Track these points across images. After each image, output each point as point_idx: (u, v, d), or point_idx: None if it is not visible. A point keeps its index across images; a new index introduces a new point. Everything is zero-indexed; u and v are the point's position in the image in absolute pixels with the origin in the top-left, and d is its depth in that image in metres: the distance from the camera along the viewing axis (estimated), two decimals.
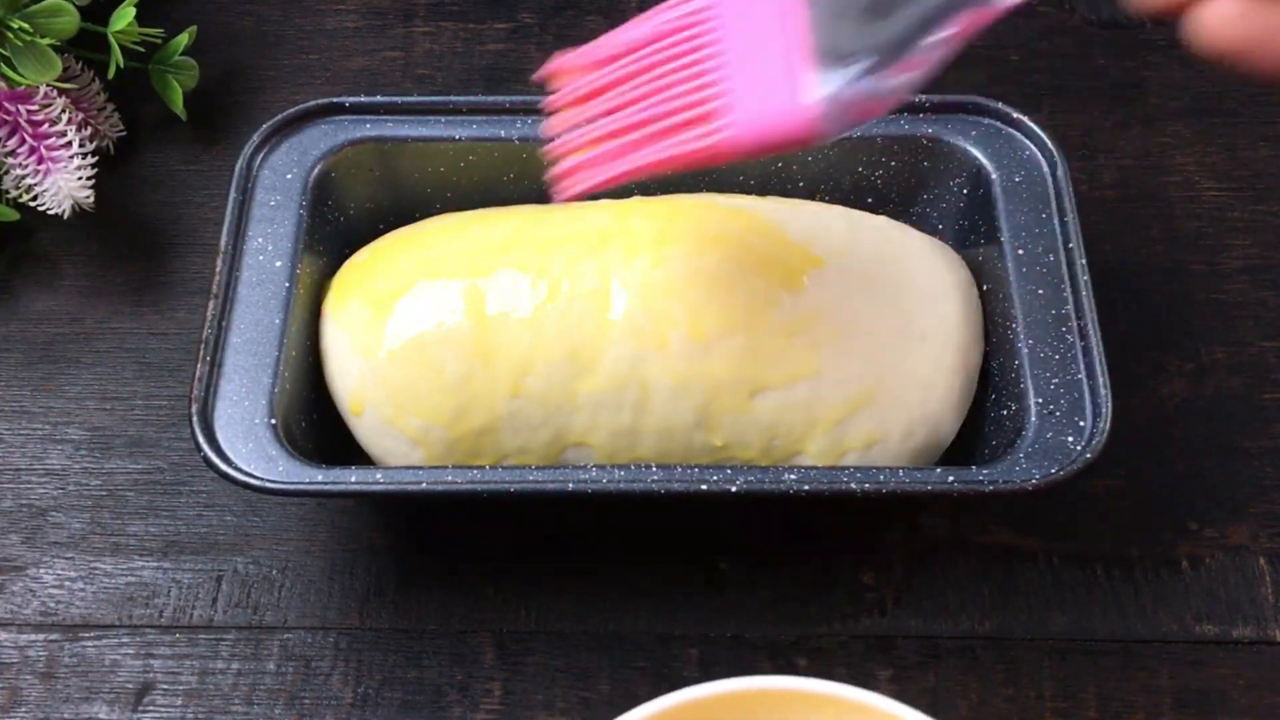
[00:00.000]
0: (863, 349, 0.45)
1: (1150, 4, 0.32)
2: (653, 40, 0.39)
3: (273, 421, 0.44)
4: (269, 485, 0.43)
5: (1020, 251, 0.48)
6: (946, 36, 0.34)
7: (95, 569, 0.50)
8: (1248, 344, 0.54)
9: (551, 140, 0.41)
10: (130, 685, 0.47)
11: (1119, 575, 0.49)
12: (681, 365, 0.45)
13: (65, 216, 0.55)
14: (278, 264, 0.48)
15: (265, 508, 0.51)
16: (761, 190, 0.51)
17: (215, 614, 0.49)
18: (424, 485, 0.43)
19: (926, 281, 0.47)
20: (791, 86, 0.35)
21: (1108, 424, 0.44)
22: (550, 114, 0.41)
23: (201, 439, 0.44)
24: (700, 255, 0.46)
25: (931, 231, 0.51)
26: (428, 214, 0.51)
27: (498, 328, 0.45)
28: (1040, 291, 0.47)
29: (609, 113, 0.39)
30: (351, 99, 0.51)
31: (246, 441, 0.44)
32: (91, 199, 0.55)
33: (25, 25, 0.52)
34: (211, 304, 0.46)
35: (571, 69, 0.40)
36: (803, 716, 0.36)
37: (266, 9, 0.66)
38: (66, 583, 0.49)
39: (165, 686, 0.47)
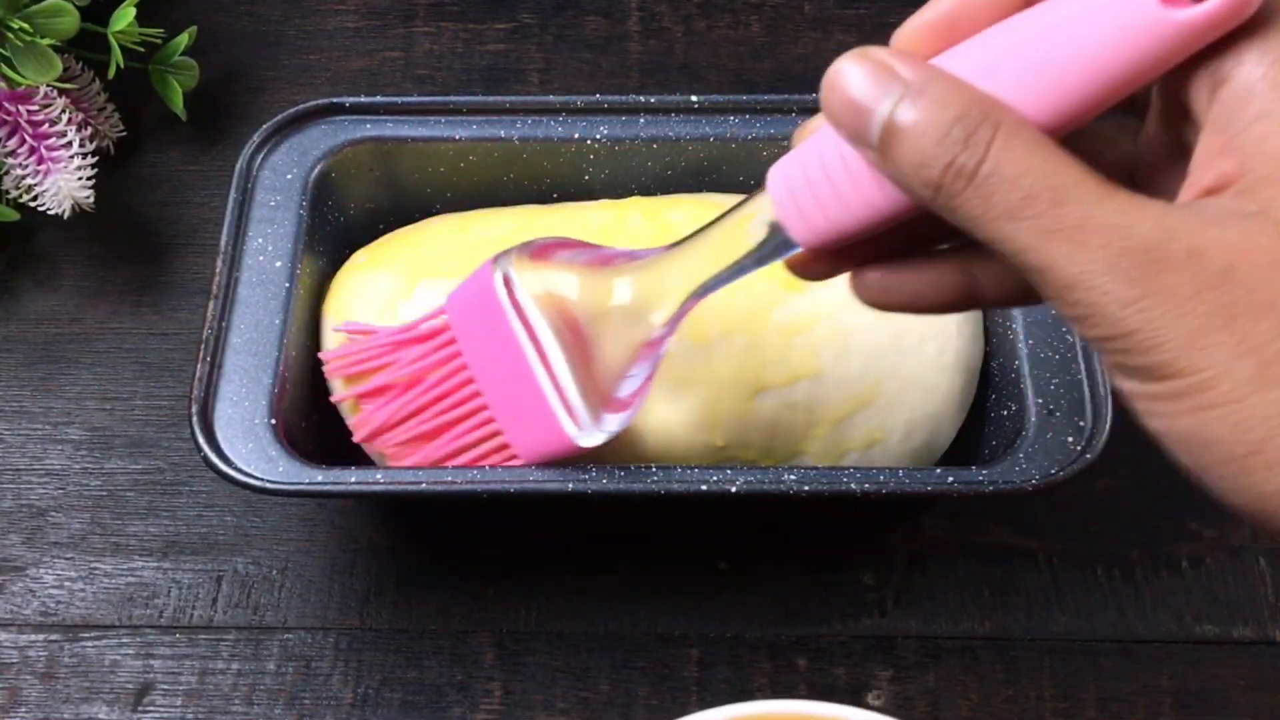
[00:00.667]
0: (863, 349, 0.45)
1: (808, 275, 0.34)
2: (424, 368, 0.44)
3: (273, 421, 0.44)
4: (269, 485, 0.43)
5: None
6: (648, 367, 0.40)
7: (95, 569, 0.50)
8: None
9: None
10: (130, 685, 0.47)
11: (1119, 575, 0.49)
12: (682, 365, 0.45)
13: (65, 216, 0.55)
14: (278, 264, 0.48)
15: (265, 508, 0.51)
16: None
17: (215, 614, 0.49)
18: (424, 485, 0.43)
19: None
20: (552, 426, 0.41)
21: (1108, 424, 0.44)
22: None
23: (201, 439, 0.44)
24: None
25: None
26: (428, 214, 0.51)
27: None
28: None
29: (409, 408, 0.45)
30: (351, 99, 0.51)
31: (246, 441, 0.44)
32: (91, 199, 0.55)
33: (25, 25, 0.52)
34: (211, 304, 0.46)
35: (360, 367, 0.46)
36: None
37: (266, 9, 0.66)
38: (66, 583, 0.49)
39: (165, 686, 0.47)
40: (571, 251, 0.41)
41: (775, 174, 0.32)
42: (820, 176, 0.30)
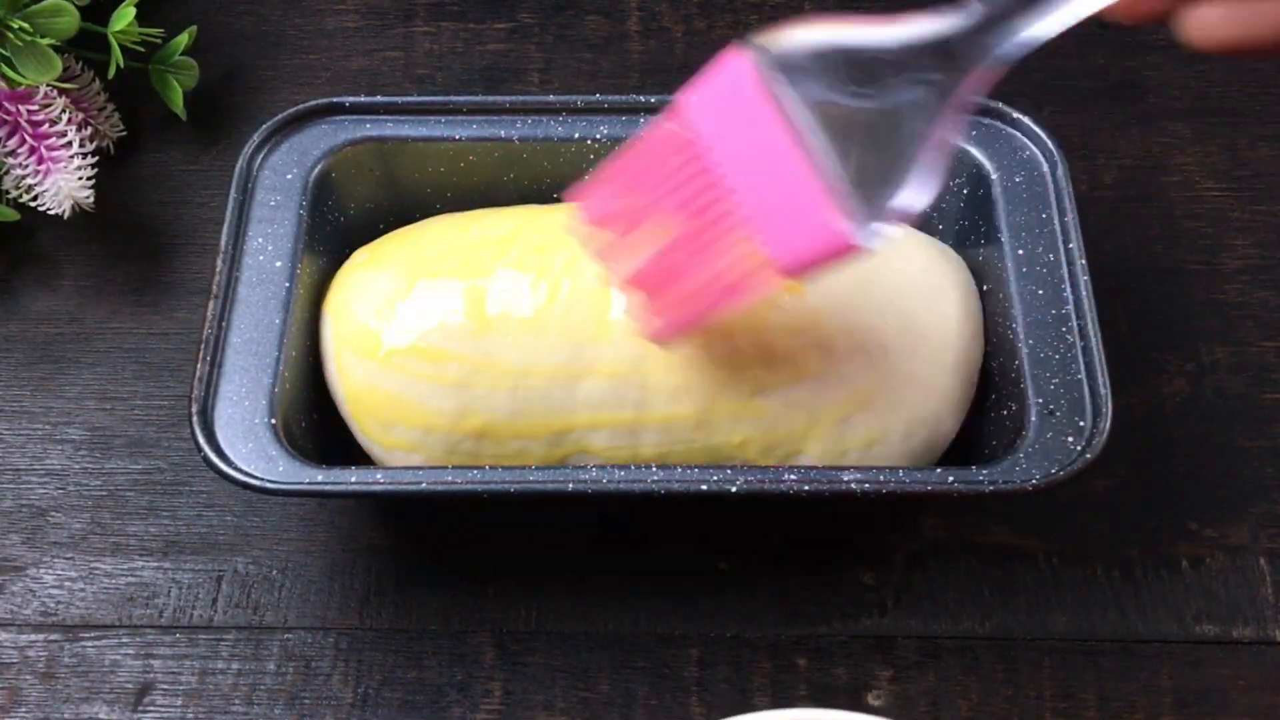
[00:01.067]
0: (863, 349, 0.45)
1: (1137, 10, 0.32)
2: (665, 175, 0.40)
3: (273, 421, 0.44)
4: (269, 485, 0.43)
5: (1020, 251, 0.48)
6: (942, 132, 0.36)
7: (95, 569, 0.50)
8: (1248, 344, 0.54)
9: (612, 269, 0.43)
10: (130, 685, 0.47)
11: (1119, 575, 0.49)
12: (681, 365, 0.45)
13: (65, 216, 0.55)
14: (278, 264, 0.48)
15: (265, 508, 0.51)
16: None
17: (215, 614, 0.49)
18: (424, 485, 0.43)
19: (926, 281, 0.47)
20: (825, 217, 0.37)
21: (1108, 424, 0.44)
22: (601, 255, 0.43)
23: (201, 439, 0.44)
24: None
25: (931, 231, 0.51)
26: (428, 214, 0.51)
27: (498, 328, 0.45)
28: (1040, 291, 0.47)
29: (669, 269, 0.41)
30: (351, 99, 0.51)
31: (246, 441, 0.44)
32: (91, 199, 0.55)
33: (25, 25, 0.52)
34: (211, 304, 0.46)
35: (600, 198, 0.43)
36: None
37: (266, 9, 0.66)
38: (66, 583, 0.49)
39: (165, 686, 0.47)
40: (827, 17, 0.37)
41: None
42: None
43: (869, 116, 0.36)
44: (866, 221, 0.37)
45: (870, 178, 0.36)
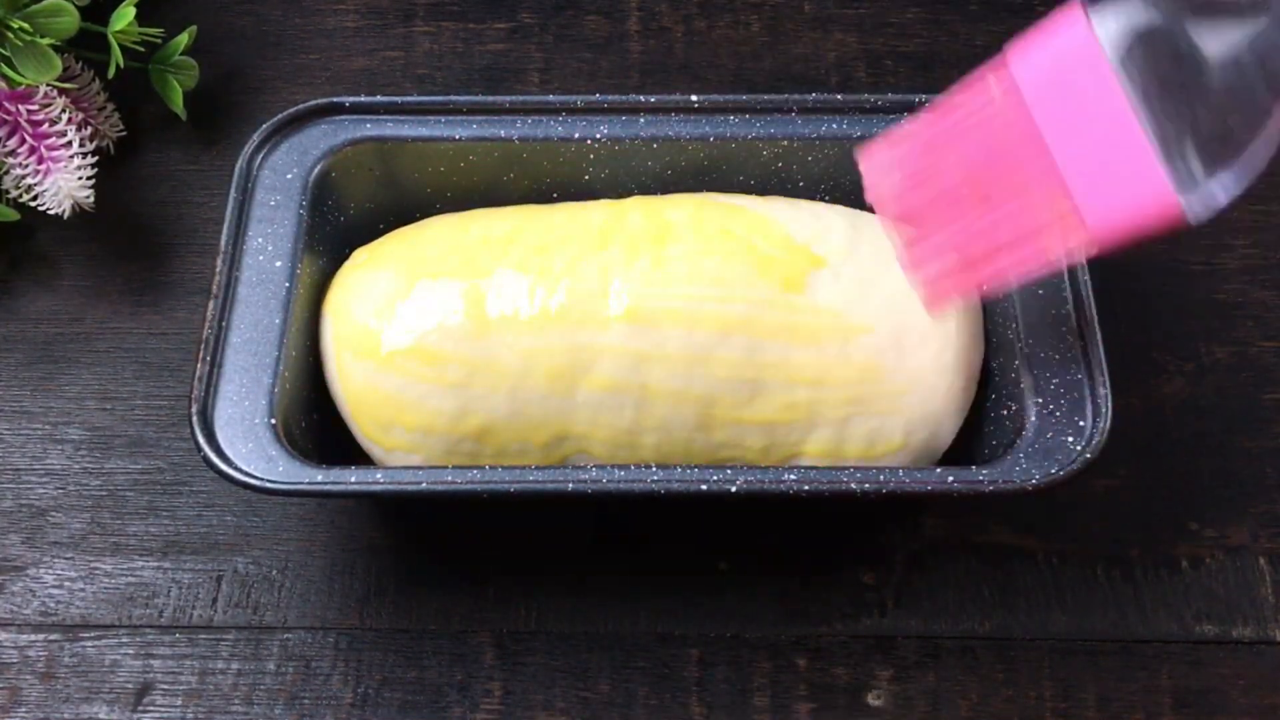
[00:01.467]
0: (863, 349, 0.45)
1: None
2: (976, 141, 0.40)
3: (273, 421, 0.44)
4: (269, 485, 0.43)
5: None
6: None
7: (95, 569, 0.50)
8: (1248, 344, 0.54)
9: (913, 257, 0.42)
10: (130, 685, 0.47)
11: (1119, 575, 0.49)
12: (681, 365, 0.45)
13: (65, 216, 0.55)
14: (278, 264, 0.48)
15: (265, 508, 0.51)
16: (762, 190, 0.51)
17: (215, 614, 0.49)
18: (424, 485, 0.43)
19: None
20: (1143, 172, 0.36)
21: (1108, 424, 0.44)
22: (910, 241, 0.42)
23: (201, 439, 0.44)
24: (701, 255, 0.46)
25: None
26: (428, 214, 0.51)
27: (498, 328, 0.45)
28: (1040, 291, 0.47)
29: (969, 236, 0.40)
30: (351, 99, 0.51)
31: (246, 441, 0.44)
32: (91, 199, 0.55)
33: (25, 25, 0.52)
34: (211, 304, 0.46)
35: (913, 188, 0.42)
36: None
37: (266, 9, 0.66)
38: (66, 583, 0.49)
39: (165, 686, 0.47)
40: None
41: None
42: None
43: (1203, 92, 0.35)
44: (1195, 191, 0.36)
45: (1199, 152, 0.35)
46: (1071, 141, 0.37)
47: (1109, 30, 0.36)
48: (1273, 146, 0.35)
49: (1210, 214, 0.36)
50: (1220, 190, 0.36)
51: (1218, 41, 0.34)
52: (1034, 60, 0.38)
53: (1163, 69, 0.35)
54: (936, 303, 0.43)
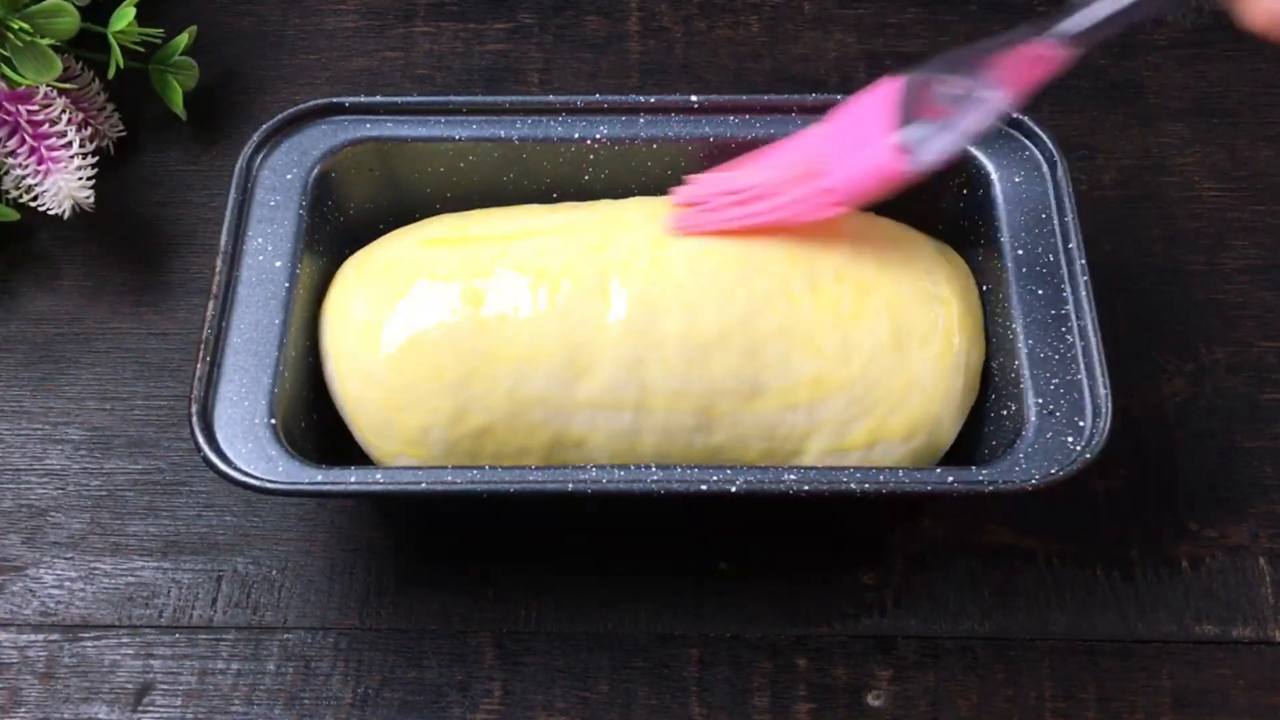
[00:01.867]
0: (863, 350, 0.45)
1: None
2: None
3: (273, 421, 0.44)
4: (269, 485, 0.43)
5: (1020, 251, 0.48)
6: (1001, 86, 0.43)
7: (95, 569, 0.50)
8: (1248, 344, 0.54)
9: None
10: (130, 685, 0.47)
11: (1119, 575, 0.49)
12: (681, 366, 0.45)
13: (65, 216, 0.55)
14: (278, 264, 0.48)
15: (265, 508, 0.51)
16: None
17: (215, 614, 0.49)
18: (424, 485, 0.43)
19: (927, 282, 0.47)
20: (880, 144, 0.44)
21: (1108, 424, 0.44)
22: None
23: (201, 439, 0.44)
24: (701, 255, 0.46)
25: (931, 231, 0.51)
26: (428, 214, 0.51)
27: (497, 328, 0.45)
28: (1040, 291, 0.47)
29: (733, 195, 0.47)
30: (351, 99, 0.51)
31: (246, 441, 0.44)
32: (91, 199, 0.55)
33: (25, 25, 0.52)
34: (211, 304, 0.46)
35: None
36: None
37: (266, 9, 0.66)
38: (66, 583, 0.49)
39: (165, 686, 0.47)
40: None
41: None
42: None
43: (952, 93, 0.44)
44: (915, 154, 0.44)
45: (929, 131, 0.44)
46: (841, 147, 0.46)
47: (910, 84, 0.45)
48: (982, 124, 0.44)
49: (926, 165, 0.44)
50: (936, 145, 0.44)
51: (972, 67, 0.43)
52: (843, 115, 0.47)
53: (914, 93, 0.44)
54: (686, 229, 0.47)
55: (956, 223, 0.51)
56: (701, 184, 0.49)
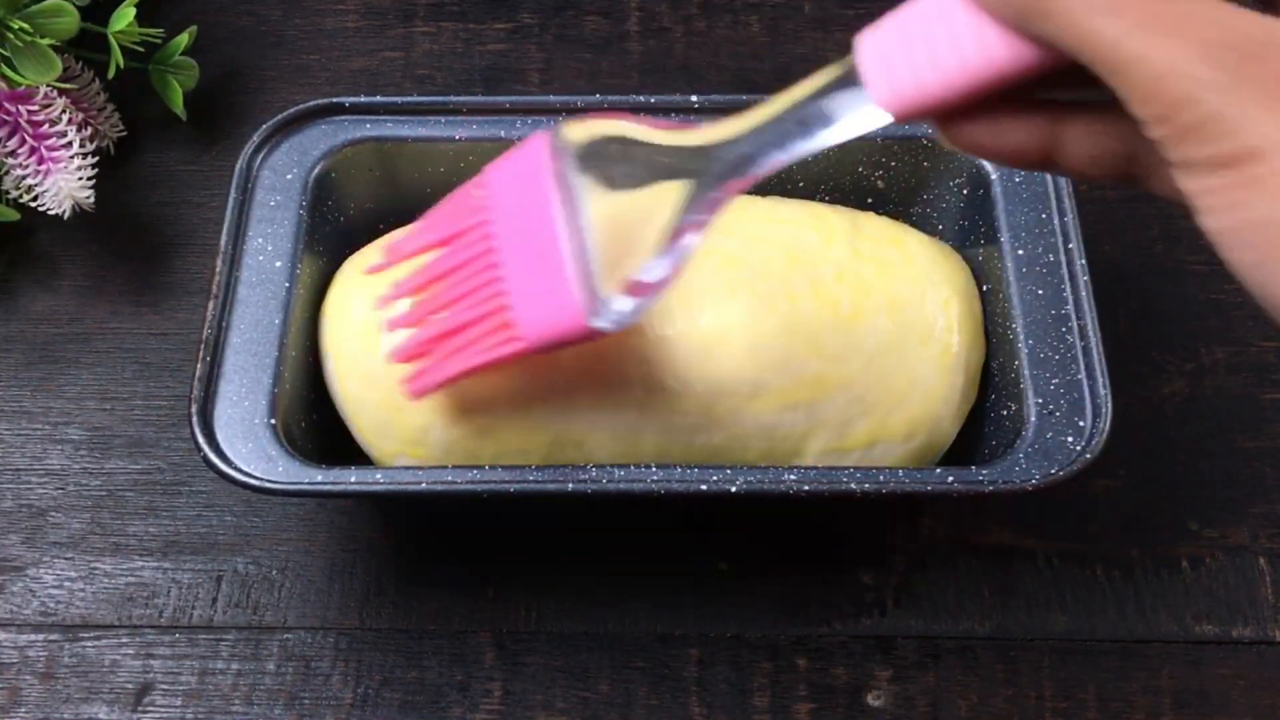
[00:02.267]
0: (863, 350, 0.45)
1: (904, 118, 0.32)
2: (454, 245, 0.43)
3: (273, 421, 0.44)
4: (269, 485, 0.43)
5: (1020, 251, 0.48)
6: (695, 228, 0.38)
7: (95, 569, 0.50)
8: (1248, 344, 0.54)
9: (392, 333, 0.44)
10: (130, 685, 0.47)
11: (1119, 575, 0.49)
12: (682, 366, 0.45)
13: (65, 216, 0.55)
14: (278, 264, 0.48)
15: (265, 508, 0.51)
16: (761, 191, 0.51)
17: (215, 614, 0.49)
18: (424, 485, 0.43)
19: (927, 282, 0.47)
20: (567, 301, 0.39)
21: (1108, 424, 0.44)
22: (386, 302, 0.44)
23: (201, 439, 0.44)
24: (701, 255, 0.46)
25: (931, 231, 0.51)
26: None
27: None
28: (1040, 291, 0.47)
29: (429, 311, 0.43)
30: (351, 99, 0.51)
31: (246, 441, 0.44)
32: (91, 199, 0.55)
33: (25, 25, 0.52)
34: (211, 304, 0.46)
35: (397, 257, 0.44)
36: None
37: (266, 9, 0.66)
38: (66, 583, 0.49)
39: (165, 686, 0.47)
40: (628, 117, 0.40)
41: (866, 39, 0.31)
42: (919, 35, 0.30)
43: (636, 202, 0.38)
44: (607, 301, 0.39)
45: (621, 257, 0.38)
46: (518, 251, 0.41)
47: (565, 151, 0.40)
48: (683, 255, 0.38)
49: (621, 318, 0.39)
50: (623, 309, 0.39)
51: (649, 169, 0.38)
52: (504, 172, 0.42)
53: (603, 188, 0.39)
54: (414, 394, 0.44)
55: (956, 223, 0.51)
56: (407, 247, 0.44)
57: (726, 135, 0.36)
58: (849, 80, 0.31)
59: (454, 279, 0.42)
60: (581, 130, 0.40)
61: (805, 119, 0.33)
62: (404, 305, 0.44)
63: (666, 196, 0.37)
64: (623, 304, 0.39)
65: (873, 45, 0.31)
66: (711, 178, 0.36)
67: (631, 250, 0.38)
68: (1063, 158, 0.31)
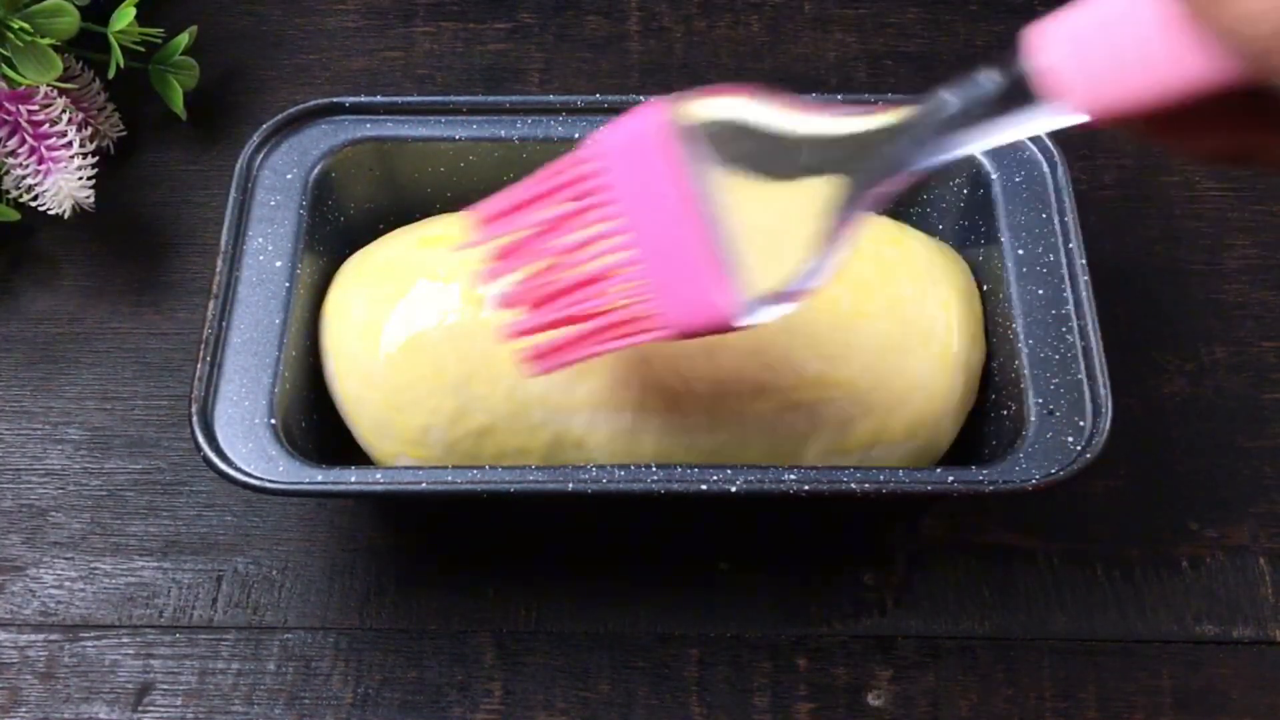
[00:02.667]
0: (863, 350, 0.45)
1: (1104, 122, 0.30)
2: (565, 211, 0.40)
3: (273, 421, 0.44)
4: (269, 485, 0.43)
5: (1020, 251, 0.48)
6: (853, 224, 0.35)
7: (95, 569, 0.50)
8: (1248, 344, 0.54)
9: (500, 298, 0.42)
10: (130, 685, 0.47)
11: (1119, 575, 0.49)
12: (682, 365, 0.45)
13: (65, 216, 0.55)
14: (278, 264, 0.48)
15: (265, 508, 0.51)
16: None
17: (215, 614, 0.49)
18: (424, 485, 0.43)
19: (927, 282, 0.47)
20: (718, 298, 0.37)
21: (1108, 424, 0.43)
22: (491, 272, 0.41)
23: (201, 439, 0.44)
24: None
25: (931, 231, 0.51)
26: (428, 214, 0.51)
27: (497, 328, 0.45)
28: (1040, 291, 0.47)
29: (554, 295, 0.40)
30: (351, 99, 0.51)
31: (246, 441, 0.44)
32: (91, 199, 0.55)
33: (25, 25, 0.52)
34: (211, 304, 0.46)
35: (498, 219, 0.41)
36: None
37: (266, 9, 0.66)
38: (66, 583, 0.49)
39: (165, 686, 0.47)
40: (751, 92, 0.37)
41: (1054, 33, 0.28)
42: (1125, 39, 0.27)
43: (783, 195, 0.36)
44: (756, 304, 0.37)
45: (770, 255, 0.36)
46: (649, 231, 0.38)
47: (686, 127, 0.37)
48: (836, 262, 0.36)
49: (767, 319, 0.37)
50: (780, 300, 0.37)
51: (790, 158, 0.36)
52: (618, 142, 0.39)
53: (735, 173, 0.36)
54: (537, 371, 0.41)
55: (956, 223, 0.51)
56: (507, 220, 0.41)
57: (884, 124, 0.34)
58: (1024, 79, 0.29)
59: (582, 257, 0.40)
60: (706, 107, 0.37)
61: (972, 115, 0.31)
62: (506, 280, 0.41)
63: (819, 192, 0.35)
64: (772, 310, 0.37)
65: (1062, 42, 0.28)
66: (872, 174, 0.34)
67: (780, 249, 0.36)
68: (1266, 153, 0.29)
